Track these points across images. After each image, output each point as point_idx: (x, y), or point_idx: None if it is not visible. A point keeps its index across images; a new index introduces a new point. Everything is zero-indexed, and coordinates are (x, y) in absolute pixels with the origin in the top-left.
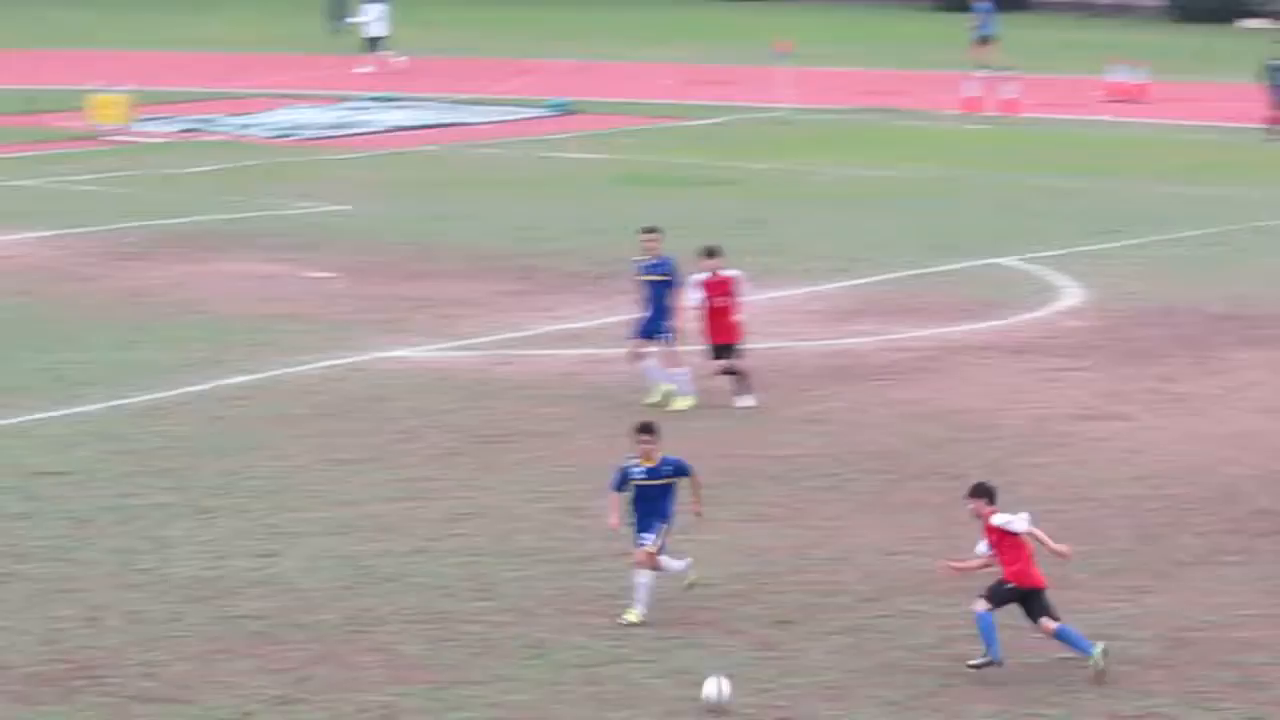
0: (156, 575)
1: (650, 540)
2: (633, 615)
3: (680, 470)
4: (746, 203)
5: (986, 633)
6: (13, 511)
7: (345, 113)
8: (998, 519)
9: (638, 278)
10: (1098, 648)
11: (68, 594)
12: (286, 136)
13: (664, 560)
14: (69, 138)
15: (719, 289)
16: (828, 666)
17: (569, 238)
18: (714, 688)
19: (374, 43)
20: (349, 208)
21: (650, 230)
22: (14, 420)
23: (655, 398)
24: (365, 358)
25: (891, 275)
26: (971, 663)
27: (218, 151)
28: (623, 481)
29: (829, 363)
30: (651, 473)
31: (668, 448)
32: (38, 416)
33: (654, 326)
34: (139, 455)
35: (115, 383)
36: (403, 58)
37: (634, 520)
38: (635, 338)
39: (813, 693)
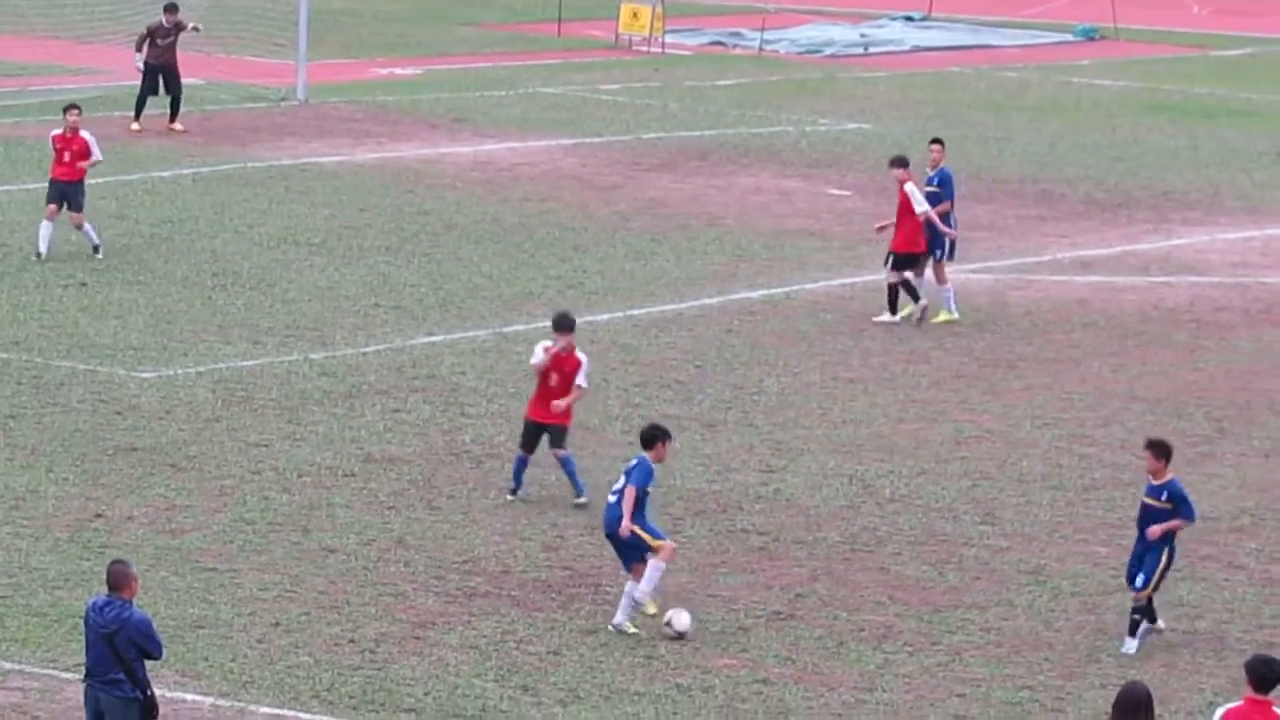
0: (660, 486)
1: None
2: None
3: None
4: (1269, 135)
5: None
6: (519, 417)
7: (871, 31)
8: None
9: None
10: None
11: (572, 502)
12: (812, 53)
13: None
14: (597, 46)
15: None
16: None
17: (1089, 164)
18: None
19: None
20: (869, 126)
21: (934, 141)
22: (526, 327)
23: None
24: (878, 277)
25: None
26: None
27: (743, 66)
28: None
29: None
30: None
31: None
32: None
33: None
34: (648, 366)
35: (628, 293)
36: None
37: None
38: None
39: None
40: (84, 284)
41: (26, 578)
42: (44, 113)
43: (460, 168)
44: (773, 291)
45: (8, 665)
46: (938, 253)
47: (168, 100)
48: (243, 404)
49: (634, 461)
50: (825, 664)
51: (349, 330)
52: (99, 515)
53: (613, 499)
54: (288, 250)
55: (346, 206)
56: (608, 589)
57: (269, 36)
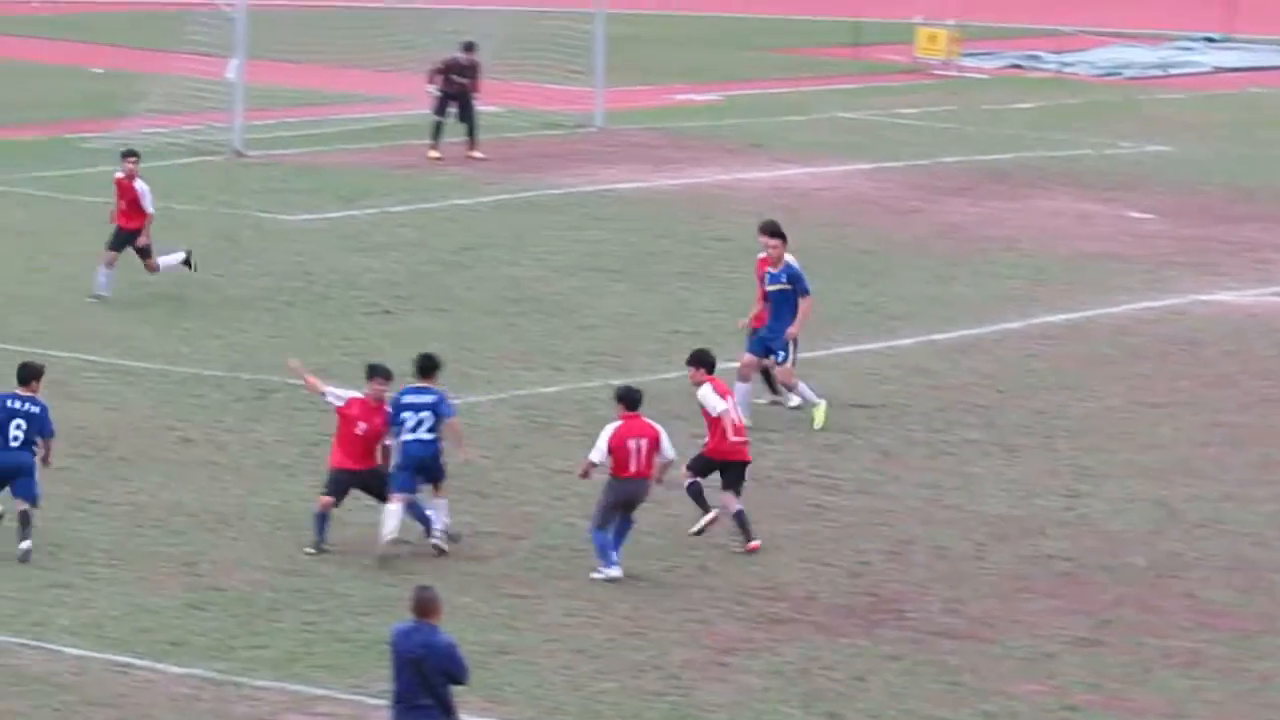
0: (963, 511)
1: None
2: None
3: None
4: None
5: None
6: (823, 443)
7: (1171, 53)
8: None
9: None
10: None
11: (875, 527)
12: (1111, 75)
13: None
14: (894, 70)
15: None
16: None
17: None
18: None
19: None
20: (1169, 148)
21: (774, 235)
22: (829, 352)
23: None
24: (1181, 300)
25: None
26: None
27: (1041, 88)
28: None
29: None
30: None
31: None
32: (852, 349)
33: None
34: (949, 391)
35: (928, 317)
36: None
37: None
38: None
39: None
40: (387, 311)
41: (333, 603)
42: (343, 141)
43: (758, 193)
44: (1073, 315)
45: (316, 691)
46: (780, 355)
47: (464, 128)
48: (544, 430)
49: (433, 397)
50: (1132, 690)
51: (649, 356)
52: (403, 542)
53: (427, 436)
54: (587, 276)
55: (645, 232)
56: (911, 615)
57: (566, 63)
